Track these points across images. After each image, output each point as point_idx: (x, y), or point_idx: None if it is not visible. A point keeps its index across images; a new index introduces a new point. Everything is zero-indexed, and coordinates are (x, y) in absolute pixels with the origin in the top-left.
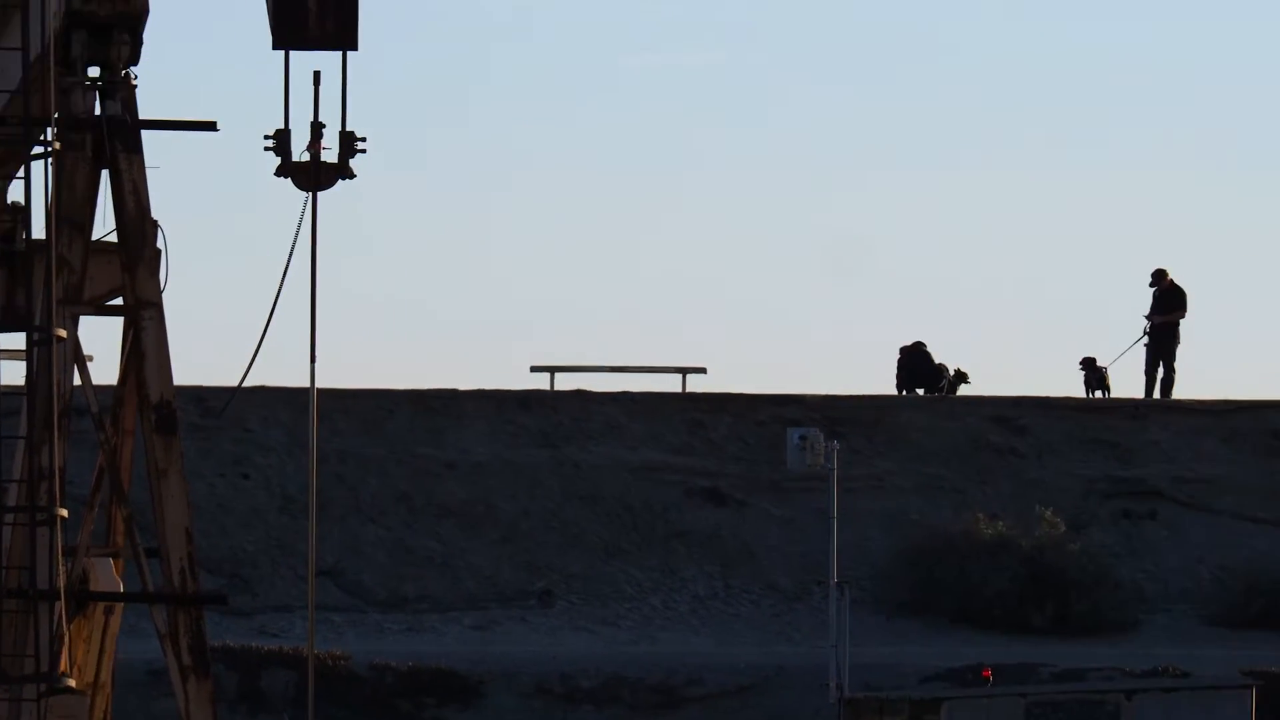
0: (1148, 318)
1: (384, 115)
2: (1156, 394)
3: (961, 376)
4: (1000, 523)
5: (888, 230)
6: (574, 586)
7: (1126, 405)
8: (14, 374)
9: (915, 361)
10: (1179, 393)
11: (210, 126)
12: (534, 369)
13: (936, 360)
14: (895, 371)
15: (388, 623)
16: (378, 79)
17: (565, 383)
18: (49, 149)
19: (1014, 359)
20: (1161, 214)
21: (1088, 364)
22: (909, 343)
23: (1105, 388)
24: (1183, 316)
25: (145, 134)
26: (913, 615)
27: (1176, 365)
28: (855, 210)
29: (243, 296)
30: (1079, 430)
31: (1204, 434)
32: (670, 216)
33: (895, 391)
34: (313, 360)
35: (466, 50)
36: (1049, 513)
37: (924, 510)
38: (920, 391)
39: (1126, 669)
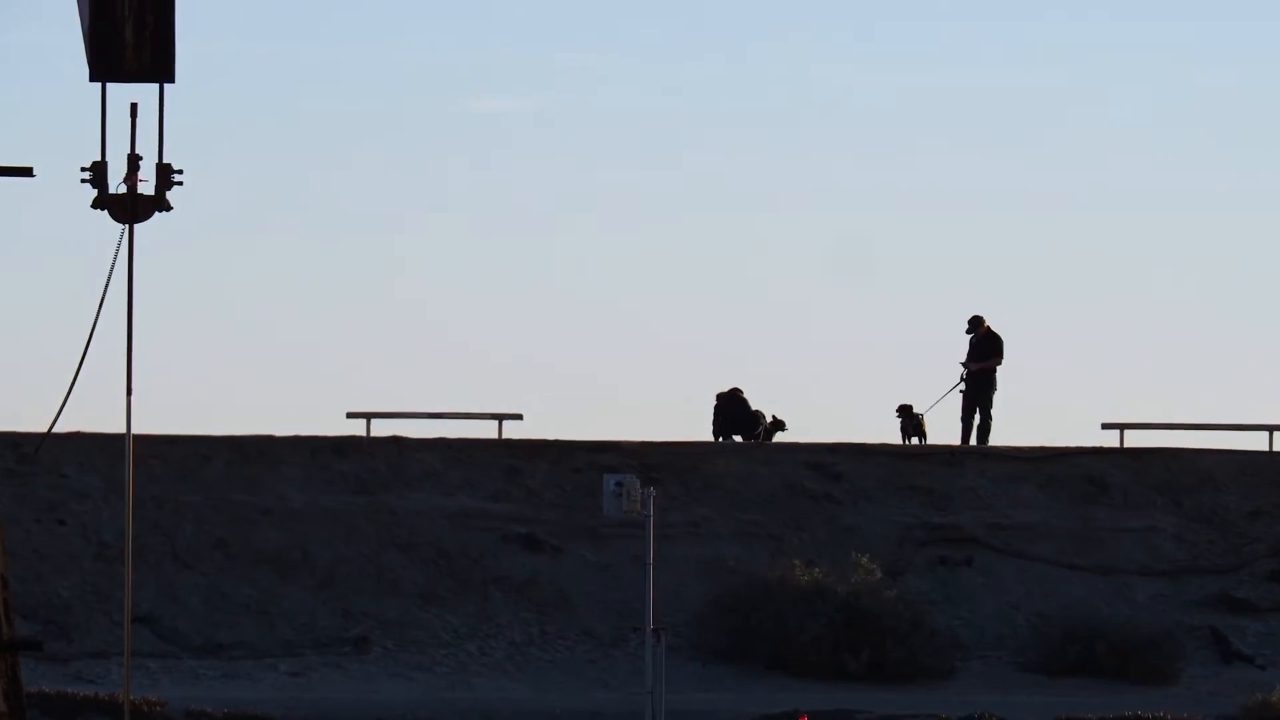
0: (964, 365)
1: (202, 148)
2: (973, 440)
3: (779, 424)
4: (816, 569)
5: (699, 276)
6: (390, 633)
7: (942, 452)
8: None
9: (731, 408)
10: (995, 439)
11: (26, 172)
12: (350, 415)
13: (753, 407)
14: (712, 418)
15: (203, 669)
16: (196, 112)
17: (381, 429)
18: None
19: (831, 406)
20: (975, 259)
21: (904, 411)
22: (725, 389)
23: (922, 434)
24: (999, 363)
25: None
26: (729, 662)
27: (993, 412)
28: (645, 264)
29: (59, 338)
30: (895, 477)
31: (1020, 480)
32: (485, 259)
33: (712, 438)
34: (129, 394)
35: (287, 83)
36: (865, 559)
37: (740, 557)
38: (737, 438)
39: (943, 716)
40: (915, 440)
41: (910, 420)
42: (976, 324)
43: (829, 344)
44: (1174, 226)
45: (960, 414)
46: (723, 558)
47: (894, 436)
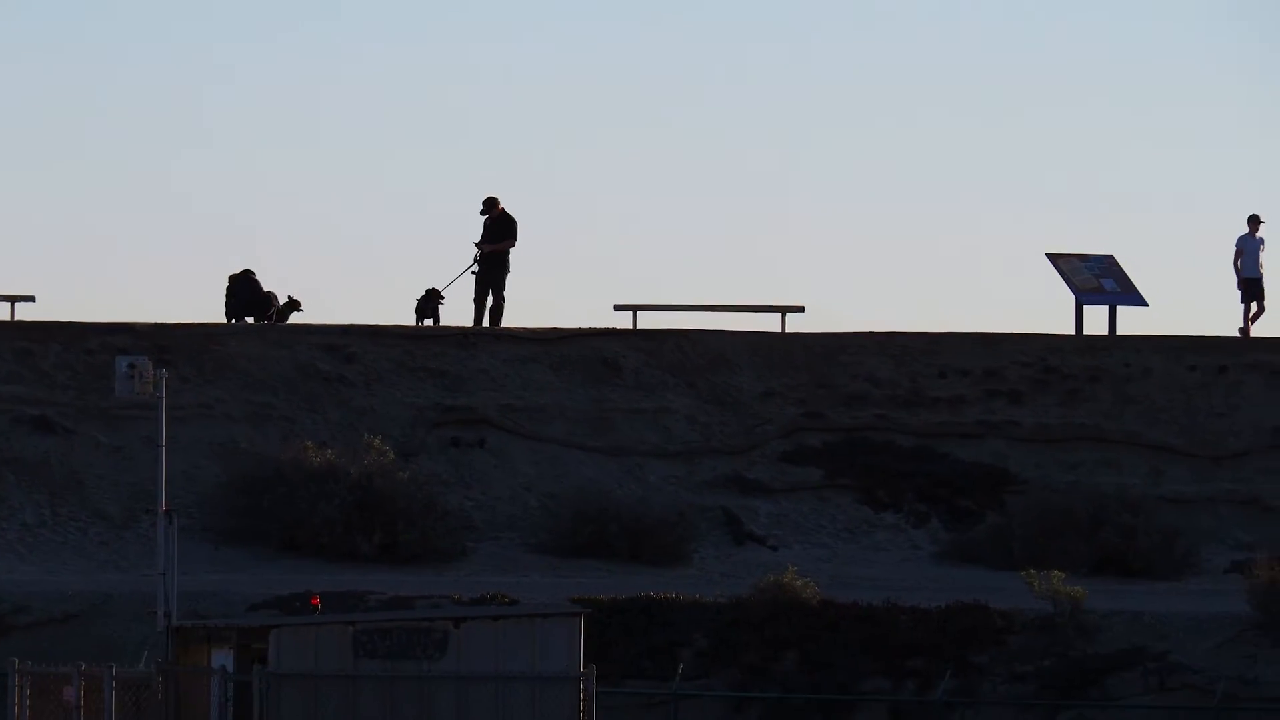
0: (477, 245)
1: None
2: (486, 322)
3: (293, 304)
4: (329, 451)
5: (216, 153)
6: None
7: (455, 333)
8: None
9: (244, 289)
10: (509, 321)
11: None
12: None
13: (266, 288)
14: (225, 299)
15: None
16: None
17: None
18: None
19: (346, 287)
20: (497, 137)
21: (430, 294)
22: (238, 270)
23: (435, 316)
24: (513, 245)
25: None
26: (242, 544)
27: (505, 294)
28: (167, 137)
29: None
30: (408, 359)
31: (533, 362)
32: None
33: (225, 319)
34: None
35: None
36: (378, 441)
37: (253, 439)
38: (250, 320)
39: (455, 596)
40: (429, 322)
41: (431, 303)
42: (491, 205)
43: (344, 225)
44: (686, 106)
45: (473, 295)
46: (235, 439)
47: (408, 318)
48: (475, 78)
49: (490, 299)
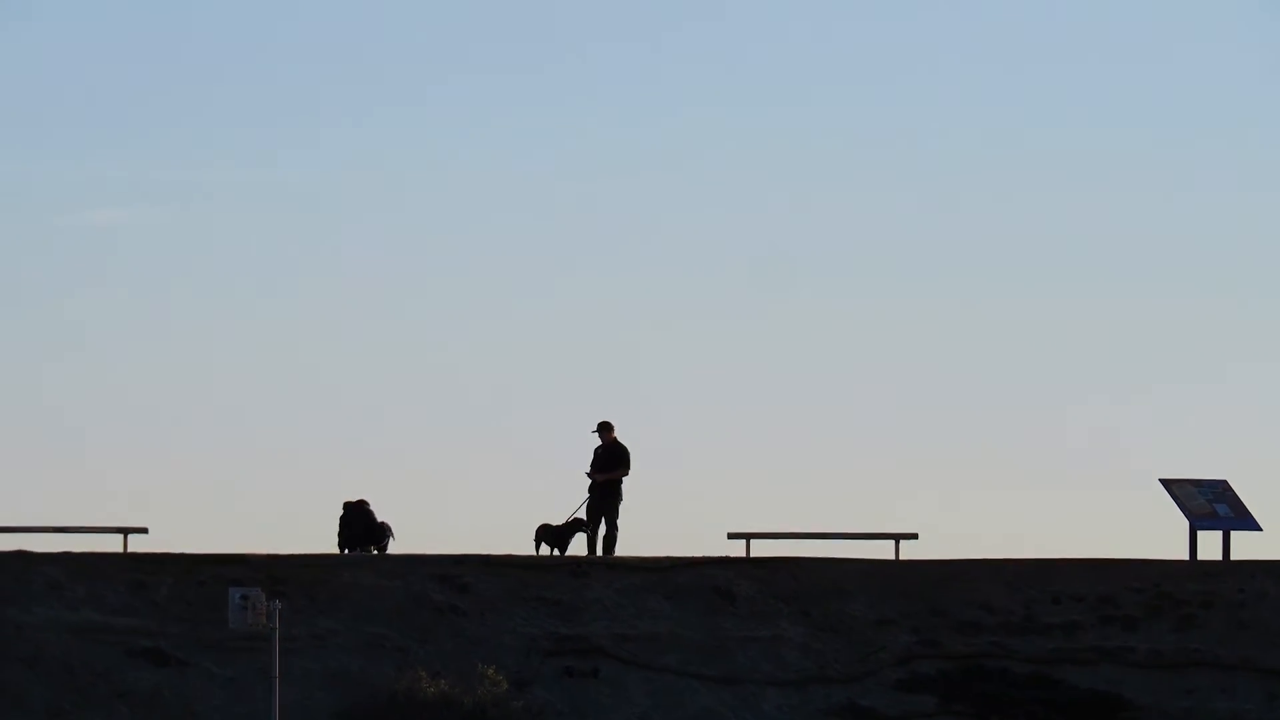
0: (589, 474)
1: None
2: (600, 552)
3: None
4: (442, 680)
5: (315, 390)
6: None
7: (569, 563)
8: None
9: (357, 519)
10: (622, 549)
11: None
12: None
13: (380, 518)
14: (338, 529)
15: None
16: None
17: (5, 543)
18: None
19: (456, 516)
20: (604, 361)
21: (544, 531)
22: (353, 500)
23: (563, 547)
24: (625, 474)
25: None
26: None
27: (619, 522)
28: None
29: None
30: (521, 588)
31: (647, 591)
32: (112, 364)
33: (338, 549)
34: None
35: None
36: (491, 670)
37: (366, 669)
38: (361, 550)
39: None
40: (556, 551)
41: (557, 534)
42: (605, 430)
43: (455, 453)
44: (788, 335)
45: (586, 524)
46: (349, 670)
47: (520, 548)
48: (598, 316)
49: (603, 528)
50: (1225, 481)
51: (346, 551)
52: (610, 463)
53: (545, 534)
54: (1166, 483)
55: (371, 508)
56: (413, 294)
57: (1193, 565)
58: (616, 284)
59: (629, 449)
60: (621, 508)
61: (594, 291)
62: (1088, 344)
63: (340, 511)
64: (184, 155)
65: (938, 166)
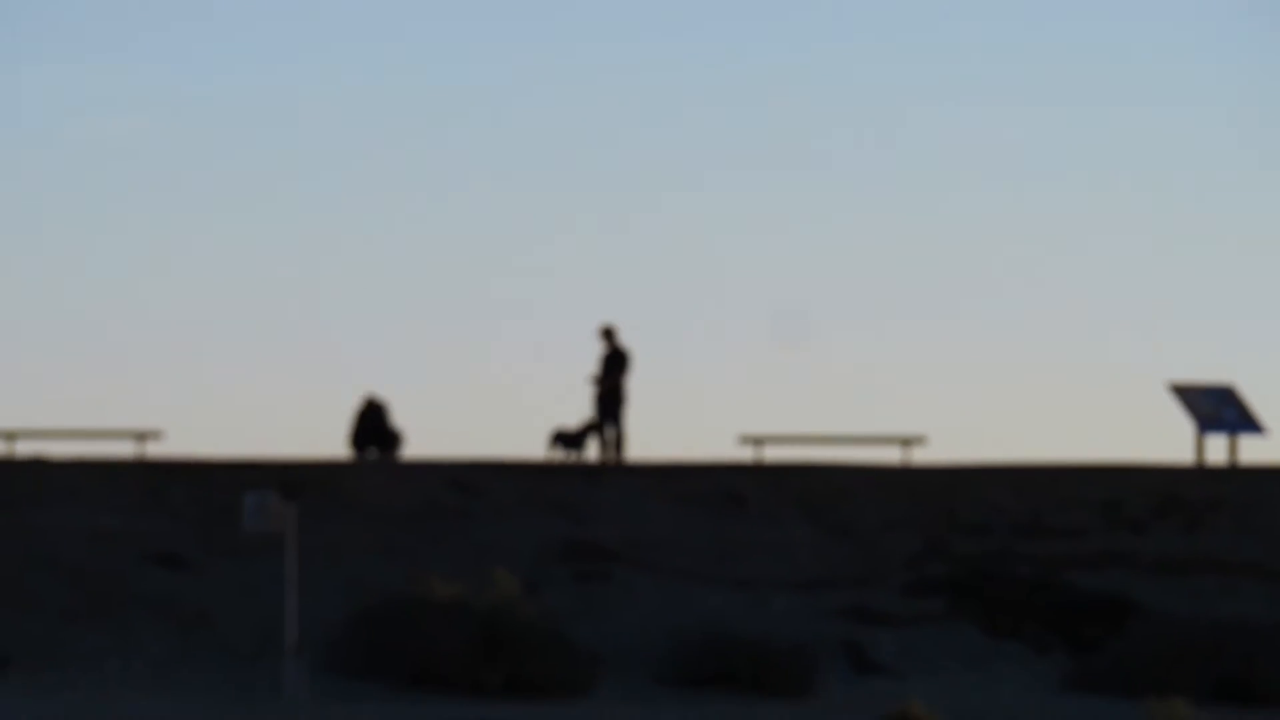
0: (594, 379)
1: None
2: (608, 456)
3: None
4: (455, 585)
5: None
6: (31, 652)
7: (580, 467)
8: None
9: (372, 419)
10: (633, 453)
11: None
12: None
13: (391, 420)
14: (353, 426)
15: None
16: None
17: (24, 448)
18: None
19: (467, 419)
20: (607, 269)
21: (561, 437)
22: (369, 399)
23: (579, 449)
24: (626, 377)
25: None
26: (370, 678)
27: (624, 426)
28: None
29: None
30: (533, 492)
31: (656, 495)
32: (117, 279)
33: (350, 446)
34: None
35: None
36: (503, 575)
37: (379, 574)
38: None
39: None
40: (573, 454)
41: (573, 437)
42: (608, 335)
43: (470, 356)
44: (800, 235)
45: (595, 429)
46: (361, 574)
47: (534, 452)
48: (605, 221)
49: (610, 432)
50: (1232, 386)
51: (356, 449)
52: (610, 367)
53: (561, 437)
54: (1174, 387)
55: (388, 413)
56: (431, 194)
57: (1200, 469)
58: (628, 177)
59: (630, 352)
60: (626, 410)
61: (604, 188)
62: (1097, 246)
63: (359, 406)
64: (184, 61)
65: (944, 59)
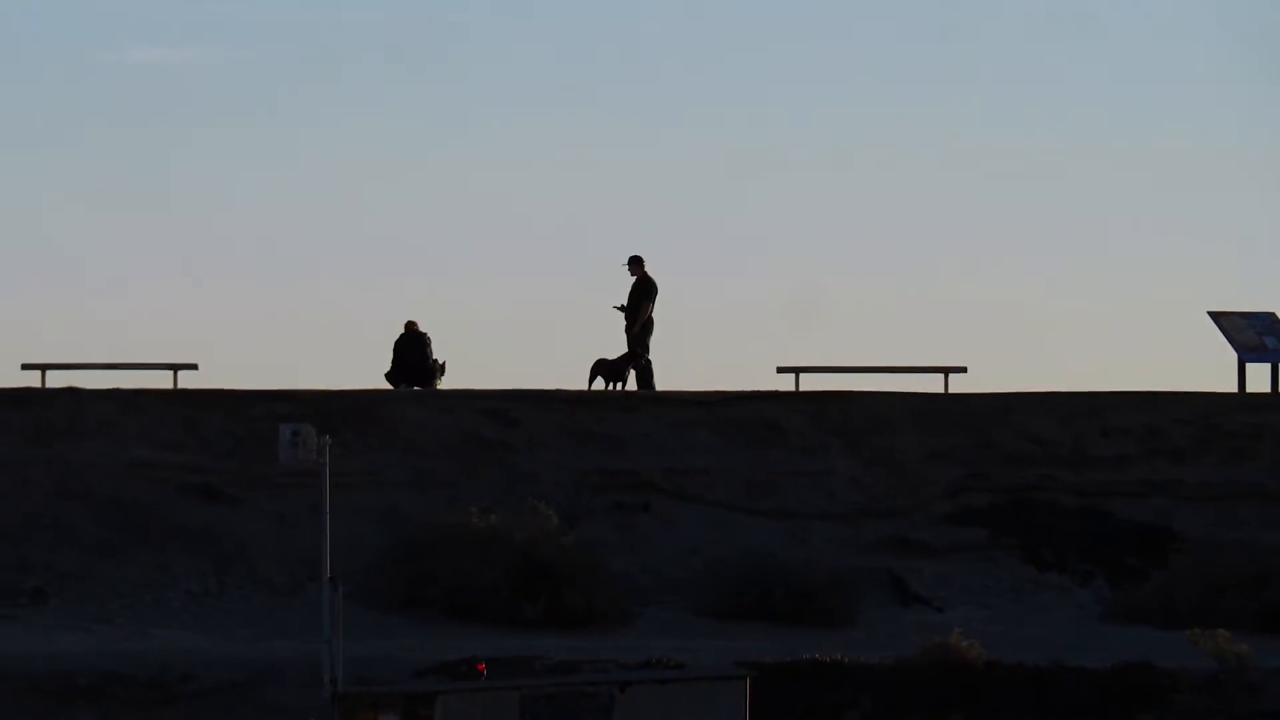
0: (619, 308)
1: None
2: (637, 385)
3: (441, 368)
4: (493, 516)
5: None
6: (67, 585)
7: (618, 397)
8: None
9: (411, 350)
10: (672, 384)
11: None
12: (25, 366)
13: (432, 350)
14: (392, 358)
15: None
16: None
17: (57, 380)
18: None
19: (507, 353)
20: (637, 206)
21: (601, 365)
22: (408, 329)
23: (621, 380)
24: (650, 308)
25: None
26: (407, 610)
27: (650, 356)
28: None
29: None
30: (570, 423)
31: (695, 425)
32: (150, 212)
33: (387, 377)
34: None
35: None
36: (541, 505)
37: (417, 505)
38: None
39: (621, 661)
40: (615, 385)
41: (613, 368)
42: (636, 264)
43: (507, 290)
44: (841, 164)
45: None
46: (399, 506)
47: (571, 383)
48: (644, 145)
49: (639, 361)
50: (1274, 313)
51: (394, 380)
52: (635, 297)
53: (601, 368)
54: (1215, 315)
55: (428, 344)
56: (462, 134)
57: (1241, 397)
58: (660, 113)
59: (655, 283)
60: (652, 341)
61: (641, 123)
62: (1138, 176)
63: (399, 337)
64: None
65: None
